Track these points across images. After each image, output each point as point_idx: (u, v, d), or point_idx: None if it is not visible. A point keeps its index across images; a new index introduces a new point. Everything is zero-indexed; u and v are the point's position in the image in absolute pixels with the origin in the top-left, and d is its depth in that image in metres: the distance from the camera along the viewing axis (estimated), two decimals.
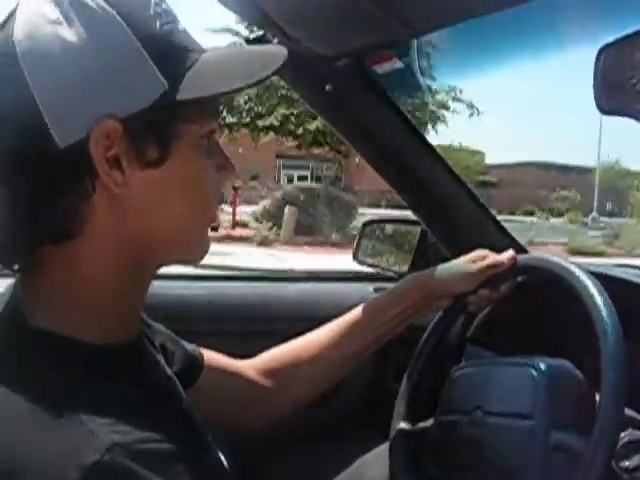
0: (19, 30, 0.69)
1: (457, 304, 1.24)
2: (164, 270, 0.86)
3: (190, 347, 1.10)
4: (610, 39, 0.91)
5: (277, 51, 0.80)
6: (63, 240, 0.72)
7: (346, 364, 1.26)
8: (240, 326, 1.67)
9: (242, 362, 1.20)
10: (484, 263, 1.22)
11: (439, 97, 21.44)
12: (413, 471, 1.19)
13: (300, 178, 36.92)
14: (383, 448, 1.29)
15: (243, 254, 13.63)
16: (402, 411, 1.25)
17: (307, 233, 17.95)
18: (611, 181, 44.13)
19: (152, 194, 0.75)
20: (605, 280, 1.01)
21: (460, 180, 1.69)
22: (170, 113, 0.73)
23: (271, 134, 22.31)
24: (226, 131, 20.36)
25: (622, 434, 0.96)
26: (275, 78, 0.89)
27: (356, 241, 2.08)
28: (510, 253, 1.22)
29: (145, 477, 0.61)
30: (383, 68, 1.44)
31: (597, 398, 0.93)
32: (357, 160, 37.51)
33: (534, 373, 1.03)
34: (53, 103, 0.68)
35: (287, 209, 17.76)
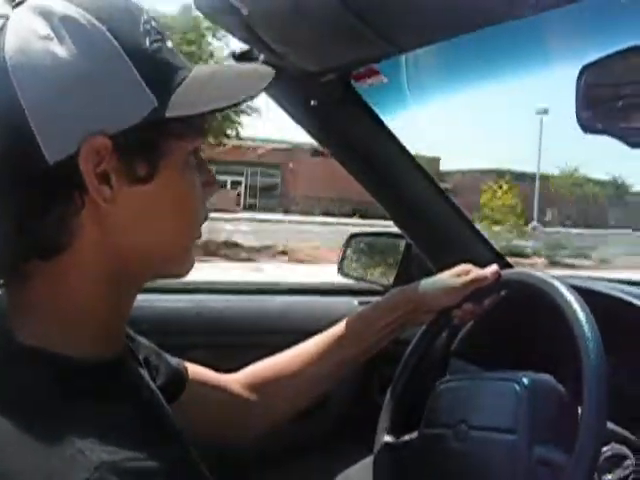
0: (10, 45, 0.69)
1: (441, 318, 1.25)
2: (149, 283, 0.86)
3: (174, 361, 1.10)
4: (592, 58, 0.93)
5: (264, 70, 0.82)
6: (50, 254, 0.72)
7: (330, 378, 1.26)
8: (225, 339, 1.67)
9: (226, 376, 1.20)
10: (468, 277, 1.22)
11: None
12: None
13: (234, 184, 35.77)
14: (367, 461, 1.29)
15: None
16: (386, 424, 1.25)
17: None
18: (569, 189, 43.95)
19: (140, 210, 0.75)
20: (587, 294, 1.02)
21: (444, 194, 1.70)
22: (159, 130, 0.73)
23: None
24: None
25: (604, 448, 0.97)
26: None
27: (341, 254, 2.08)
28: (494, 268, 1.23)
29: None
30: (368, 83, 1.45)
31: (579, 412, 0.94)
32: (291, 165, 37.45)
33: (517, 388, 1.03)
34: (43, 118, 0.68)
35: None
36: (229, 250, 16.43)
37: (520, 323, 1.38)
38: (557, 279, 1.07)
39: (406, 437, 1.22)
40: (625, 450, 1.02)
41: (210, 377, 1.17)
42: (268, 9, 1.15)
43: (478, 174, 39.08)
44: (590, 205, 45.26)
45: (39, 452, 0.63)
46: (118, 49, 0.71)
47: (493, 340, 1.42)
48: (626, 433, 1.04)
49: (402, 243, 1.87)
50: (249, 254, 16.57)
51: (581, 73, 0.93)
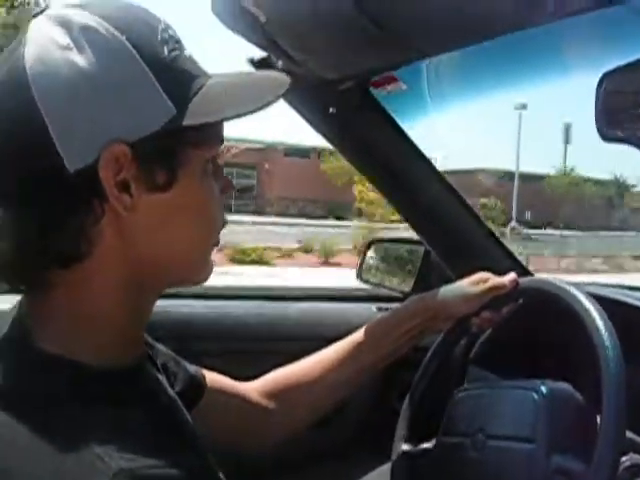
0: (30, 54, 0.70)
1: (459, 326, 1.25)
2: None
3: (192, 368, 1.10)
4: (612, 66, 0.92)
5: (280, 78, 0.82)
6: (71, 262, 0.73)
7: (349, 385, 1.26)
8: (242, 345, 1.67)
9: (244, 384, 1.20)
10: (486, 285, 1.22)
11: None
12: None
13: None
14: (385, 468, 1.29)
15: None
16: (404, 432, 1.25)
17: None
18: (565, 189, 43.01)
19: (159, 217, 0.76)
20: (606, 303, 1.02)
21: (464, 202, 1.69)
22: (177, 138, 0.74)
23: None
24: None
25: (623, 458, 0.96)
26: None
27: (360, 260, 2.08)
28: (512, 276, 1.22)
29: None
30: (387, 90, 1.45)
31: (598, 421, 0.93)
32: (266, 166, 37.35)
33: (535, 396, 1.03)
34: (63, 127, 0.69)
35: None
36: None
37: (538, 331, 1.37)
38: (575, 287, 1.07)
39: (424, 445, 1.22)
40: None
41: (228, 385, 1.17)
42: (286, 16, 1.15)
43: (476, 173, 38.47)
44: (588, 205, 44.38)
45: (56, 457, 0.63)
46: (137, 58, 0.71)
47: (511, 348, 1.41)
48: None
49: (421, 249, 1.87)
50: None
51: (601, 81, 0.93)
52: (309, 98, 1.47)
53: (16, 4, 13.98)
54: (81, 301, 0.75)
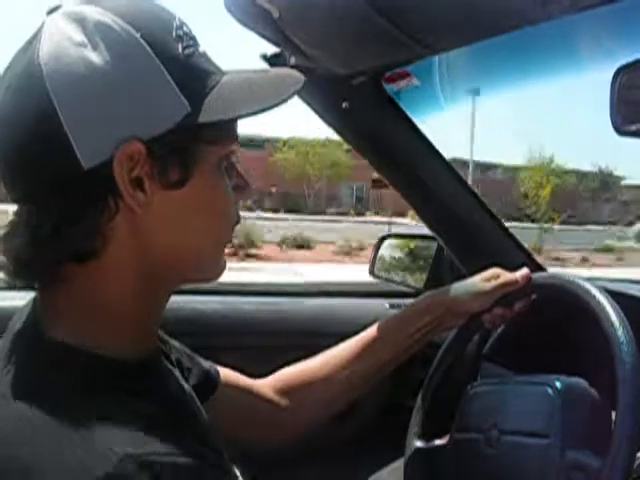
0: (45, 51, 0.70)
1: (472, 322, 1.24)
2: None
3: (206, 364, 1.11)
4: (627, 60, 0.92)
5: (295, 75, 0.82)
6: (85, 259, 0.73)
7: (362, 383, 1.25)
8: (255, 341, 1.68)
9: (257, 380, 1.20)
10: (499, 281, 1.22)
11: None
12: None
13: None
14: (398, 465, 1.28)
15: None
16: (417, 428, 1.24)
17: None
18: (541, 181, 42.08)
19: (173, 214, 0.76)
20: (620, 298, 1.01)
21: (477, 196, 1.69)
22: (192, 135, 0.74)
23: None
24: None
25: (639, 454, 0.96)
26: None
27: (372, 255, 2.08)
28: (524, 271, 1.22)
29: None
30: (399, 86, 1.45)
31: (613, 417, 0.92)
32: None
33: (550, 391, 1.02)
34: (78, 124, 0.69)
35: None
36: None
37: (552, 326, 1.36)
38: (590, 282, 1.06)
39: (437, 442, 1.22)
40: None
41: (241, 380, 1.18)
42: (299, 12, 1.15)
43: None
44: (567, 198, 43.09)
45: (68, 444, 0.63)
46: (151, 55, 0.72)
47: (525, 343, 1.41)
48: None
49: (434, 245, 1.87)
50: None
51: (616, 75, 0.92)
52: (322, 93, 1.47)
53: None
54: (95, 296, 0.75)
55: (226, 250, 0.86)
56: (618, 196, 45.73)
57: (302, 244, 20.77)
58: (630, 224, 35.35)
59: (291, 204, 38.02)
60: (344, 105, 1.49)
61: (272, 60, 1.40)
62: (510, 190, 38.45)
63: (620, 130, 0.92)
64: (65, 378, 0.69)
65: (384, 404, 1.75)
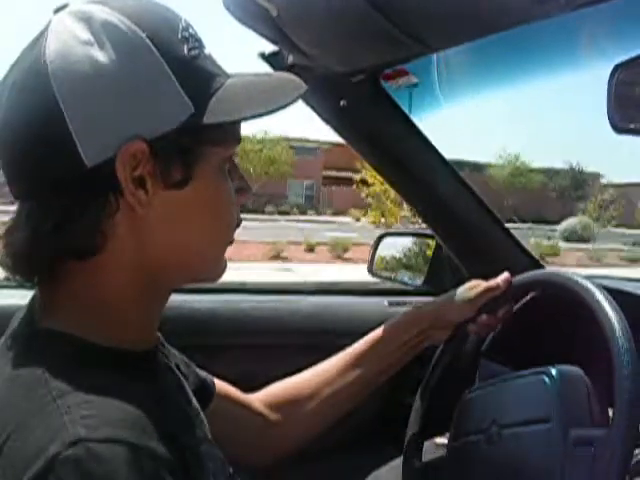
0: (51, 49, 0.71)
1: (458, 333, 1.25)
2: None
3: (203, 374, 1.10)
4: (624, 58, 0.92)
5: (296, 80, 0.83)
6: (85, 256, 0.74)
7: (351, 398, 1.26)
8: (251, 339, 1.67)
9: (250, 395, 1.20)
10: (480, 288, 1.22)
11: None
12: None
13: None
14: (397, 463, 1.29)
15: None
16: (416, 426, 1.25)
17: None
18: (507, 179, 41.58)
19: (174, 214, 0.76)
20: (618, 295, 1.02)
21: (475, 194, 1.69)
22: (195, 136, 0.75)
23: None
24: None
25: (637, 451, 0.96)
26: None
27: (370, 253, 2.08)
28: (505, 275, 1.23)
29: (97, 476, 0.60)
30: (398, 83, 1.45)
31: (610, 413, 0.93)
32: None
33: (546, 379, 1.03)
34: (82, 122, 0.69)
35: None
36: None
37: (551, 323, 1.37)
38: (587, 279, 1.06)
39: (436, 440, 1.22)
40: None
41: (234, 393, 1.17)
42: (297, 10, 1.15)
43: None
44: (534, 197, 43.08)
45: (35, 421, 0.64)
46: (157, 56, 0.72)
47: (524, 340, 1.41)
48: None
49: (432, 243, 1.87)
50: None
51: (613, 72, 0.92)
52: (320, 91, 1.47)
53: None
54: (93, 292, 0.76)
55: None
56: (598, 195, 45.25)
57: None
58: (558, 222, 33.72)
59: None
60: (342, 103, 1.49)
61: (270, 58, 1.40)
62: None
63: (618, 128, 0.92)
64: (49, 358, 0.69)
65: (383, 402, 1.75)
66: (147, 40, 0.72)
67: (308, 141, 43.97)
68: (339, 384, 1.23)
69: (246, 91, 0.79)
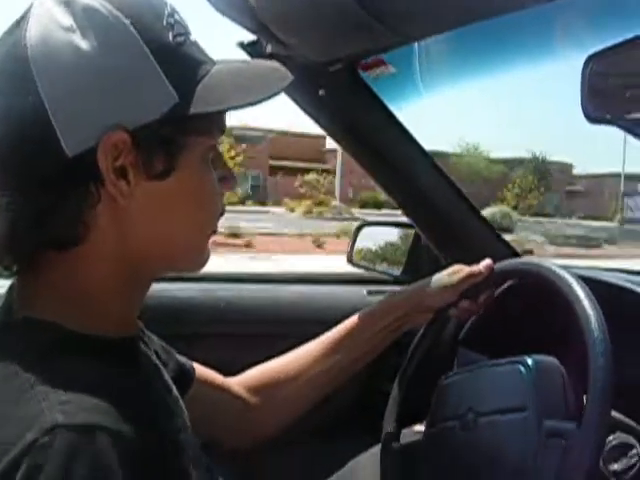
0: (32, 34, 0.70)
1: (439, 318, 1.26)
2: None
3: (182, 359, 1.10)
4: (598, 48, 0.92)
5: (282, 69, 0.82)
6: (66, 246, 0.73)
7: (330, 382, 1.26)
8: (232, 328, 1.67)
9: (229, 379, 1.20)
10: (462, 274, 1.22)
11: None
12: (405, 474, 1.21)
13: None
14: (375, 450, 1.29)
15: None
16: (394, 414, 1.25)
17: None
18: (463, 168, 40.49)
19: (156, 205, 0.76)
20: (593, 284, 1.02)
21: (454, 185, 1.70)
22: (179, 126, 0.74)
23: None
24: None
25: (610, 437, 0.97)
26: None
27: (350, 243, 2.08)
28: (487, 262, 1.23)
29: (69, 468, 0.60)
30: (375, 73, 1.45)
31: (584, 400, 0.94)
32: None
33: (522, 369, 1.04)
34: (62, 111, 0.69)
35: None
36: None
37: (527, 312, 1.38)
38: (563, 268, 1.07)
39: (414, 428, 1.23)
40: (631, 439, 1.02)
41: (214, 378, 1.17)
42: (275, 0, 1.15)
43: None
44: (494, 188, 42.37)
45: (13, 407, 0.64)
46: (140, 43, 0.71)
47: (501, 329, 1.42)
48: (632, 422, 1.04)
49: (411, 232, 1.87)
50: None
51: (587, 63, 0.93)
52: (298, 81, 1.45)
53: None
54: (73, 282, 0.75)
55: None
56: (565, 186, 44.95)
57: None
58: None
59: None
60: (320, 92, 1.48)
61: (249, 48, 1.39)
62: None
63: (591, 117, 0.93)
64: (28, 346, 0.69)
65: (361, 390, 1.76)
66: (130, 27, 0.71)
67: (252, 129, 42.61)
68: (316, 369, 1.23)
69: (232, 80, 0.78)
